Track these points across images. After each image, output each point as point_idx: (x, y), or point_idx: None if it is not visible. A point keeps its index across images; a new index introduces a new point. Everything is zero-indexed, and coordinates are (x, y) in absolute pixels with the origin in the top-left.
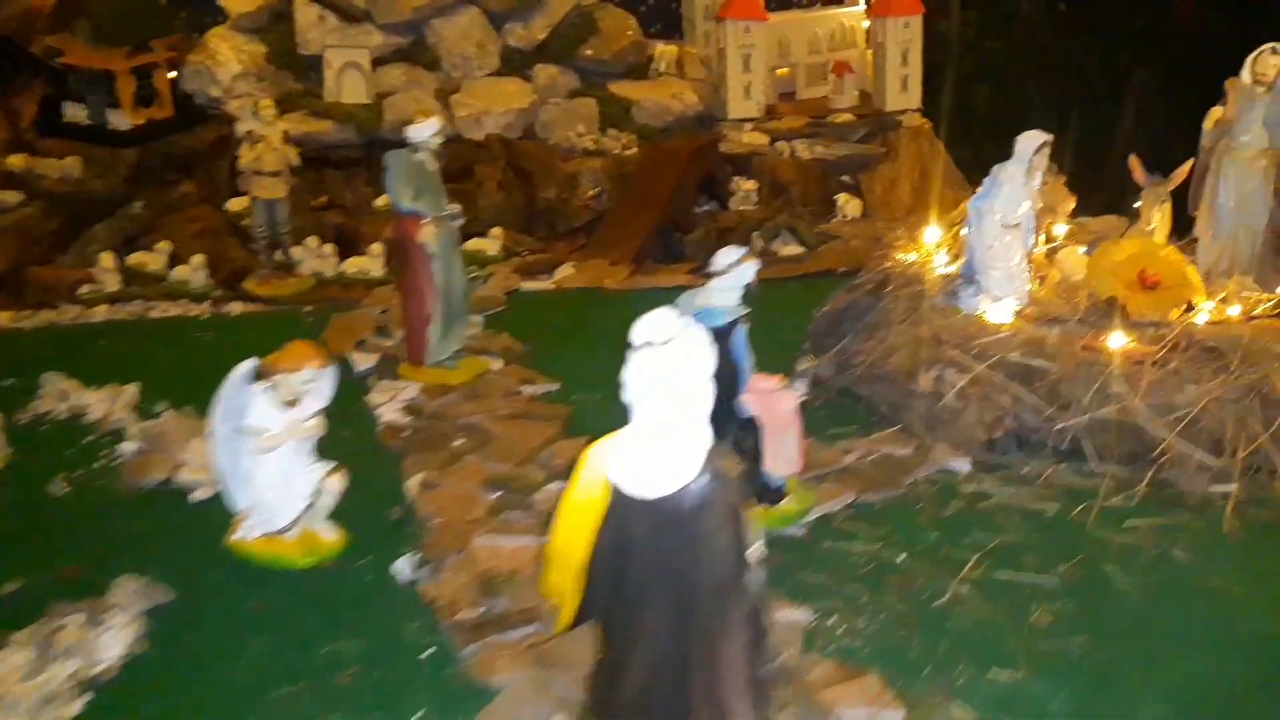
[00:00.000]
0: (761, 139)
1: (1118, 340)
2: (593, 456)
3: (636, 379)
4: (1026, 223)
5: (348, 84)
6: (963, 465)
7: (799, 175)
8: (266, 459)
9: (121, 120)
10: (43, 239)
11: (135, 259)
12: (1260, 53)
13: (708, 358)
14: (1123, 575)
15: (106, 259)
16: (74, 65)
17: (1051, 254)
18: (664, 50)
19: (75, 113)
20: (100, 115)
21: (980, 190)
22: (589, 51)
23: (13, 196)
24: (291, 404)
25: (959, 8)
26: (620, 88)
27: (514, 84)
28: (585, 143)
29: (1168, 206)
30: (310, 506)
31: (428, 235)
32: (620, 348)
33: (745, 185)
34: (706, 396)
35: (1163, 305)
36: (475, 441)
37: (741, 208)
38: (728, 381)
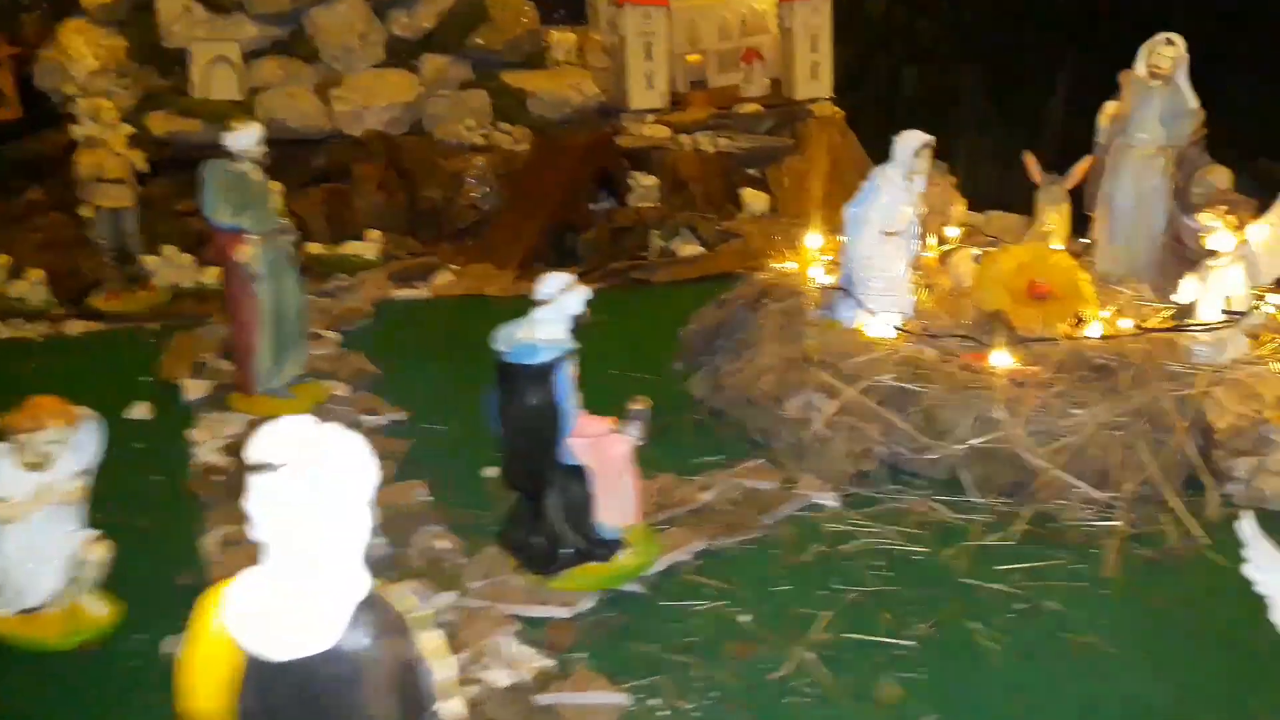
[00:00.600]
0: (664, 132)
1: (1001, 359)
2: (215, 604)
3: (259, 510)
4: (909, 230)
5: (217, 79)
6: (830, 500)
7: (702, 170)
8: (8, 530)
9: None
10: None
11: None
12: (1154, 43)
13: (358, 477)
14: (988, 632)
15: (35, 273)
16: None
17: (944, 259)
18: (561, 37)
19: None
20: None
21: (858, 195)
22: (479, 40)
23: None
24: (38, 466)
25: None
26: (515, 78)
27: (399, 76)
28: (474, 137)
29: (1066, 207)
30: (75, 579)
31: (247, 254)
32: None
33: (645, 181)
34: (358, 528)
35: (1050, 319)
36: None
37: (641, 205)
38: (550, 426)
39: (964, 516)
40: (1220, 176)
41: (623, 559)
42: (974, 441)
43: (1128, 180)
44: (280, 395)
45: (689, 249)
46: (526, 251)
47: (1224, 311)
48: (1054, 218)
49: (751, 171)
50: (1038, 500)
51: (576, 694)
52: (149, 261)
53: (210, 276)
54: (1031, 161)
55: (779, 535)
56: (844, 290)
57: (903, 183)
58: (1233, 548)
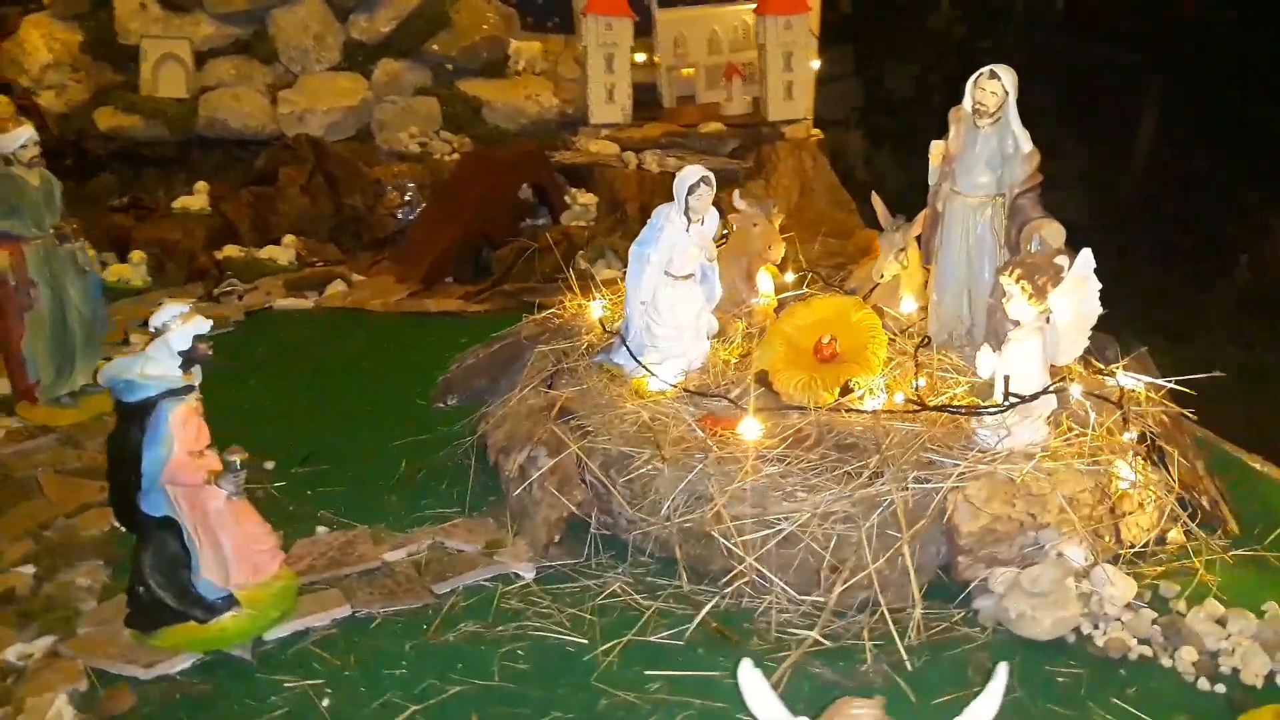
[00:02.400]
0: (612, 148)
1: (750, 427)
2: None
3: None
4: (705, 274)
5: (165, 77)
6: (527, 572)
7: (640, 190)
8: None
9: None
10: None
11: None
12: (979, 75)
13: None
14: None
15: None
16: None
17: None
18: (522, 47)
19: None
20: None
21: (641, 234)
22: (435, 47)
23: None
24: None
25: (947, 5)
26: (472, 86)
27: (349, 80)
28: (412, 146)
29: (912, 256)
30: None
31: (2, 260)
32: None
33: (583, 199)
34: None
35: (813, 386)
36: (9, 499)
37: (576, 223)
38: (138, 472)
39: (654, 605)
40: (1052, 231)
41: (228, 620)
42: (677, 520)
43: (955, 232)
44: (64, 404)
45: (609, 273)
46: (432, 266)
47: (1007, 394)
48: (893, 269)
49: None
50: (737, 595)
51: None
52: None
53: (114, 274)
54: (878, 202)
55: (442, 608)
56: (620, 337)
57: (681, 222)
58: (933, 680)
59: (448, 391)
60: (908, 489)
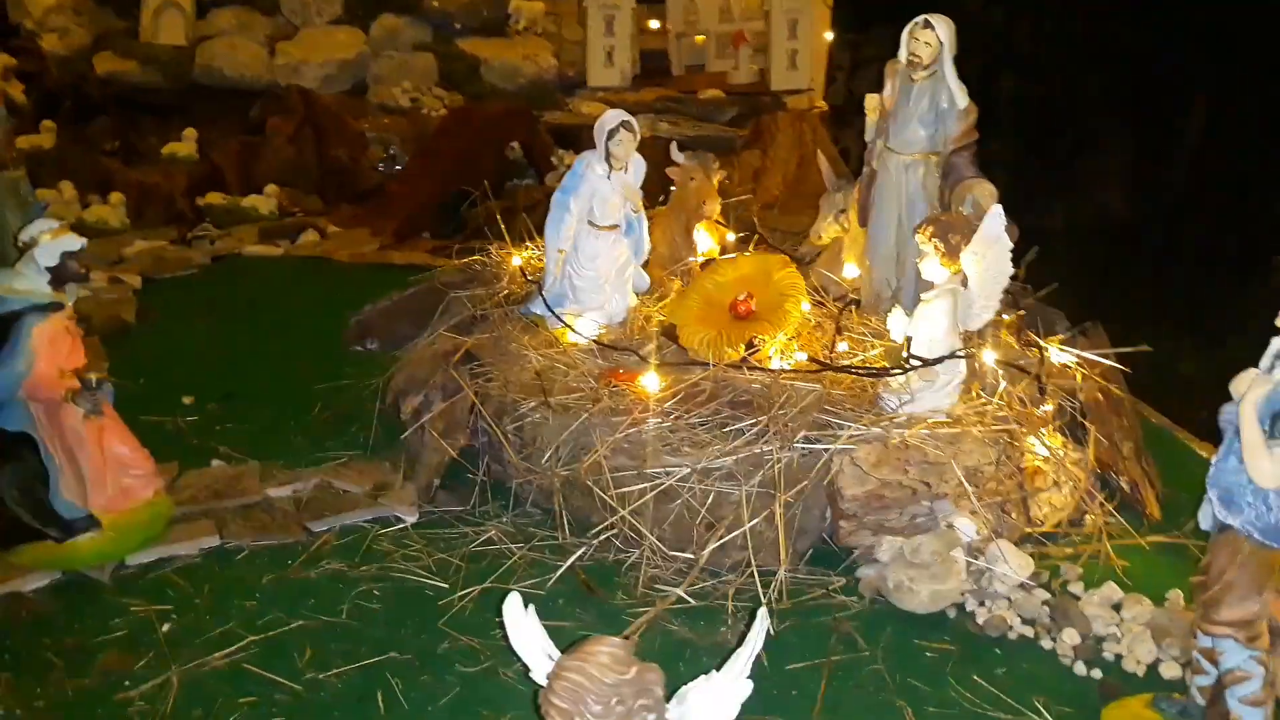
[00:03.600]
0: (601, 110)
1: (651, 381)
2: None
3: None
4: (630, 225)
5: (165, 24)
6: (408, 515)
7: None
8: None
9: None
10: None
11: None
12: (913, 25)
13: None
14: (402, 689)
15: None
16: None
17: (704, 265)
18: (523, 6)
19: None
20: None
21: (563, 180)
22: (435, 3)
23: None
24: None
25: None
26: (470, 44)
27: (348, 34)
28: (403, 100)
29: (855, 219)
30: None
31: None
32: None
33: (570, 159)
34: None
35: (718, 342)
36: None
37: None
38: None
39: (525, 553)
40: (984, 192)
41: (85, 541)
42: (558, 470)
43: (888, 191)
44: None
45: None
46: (405, 220)
47: (907, 355)
48: (831, 230)
49: None
50: (612, 549)
51: None
52: (46, 195)
53: (93, 215)
54: (823, 162)
55: (312, 545)
56: (538, 286)
57: (602, 169)
58: (793, 645)
59: (366, 335)
60: (792, 449)
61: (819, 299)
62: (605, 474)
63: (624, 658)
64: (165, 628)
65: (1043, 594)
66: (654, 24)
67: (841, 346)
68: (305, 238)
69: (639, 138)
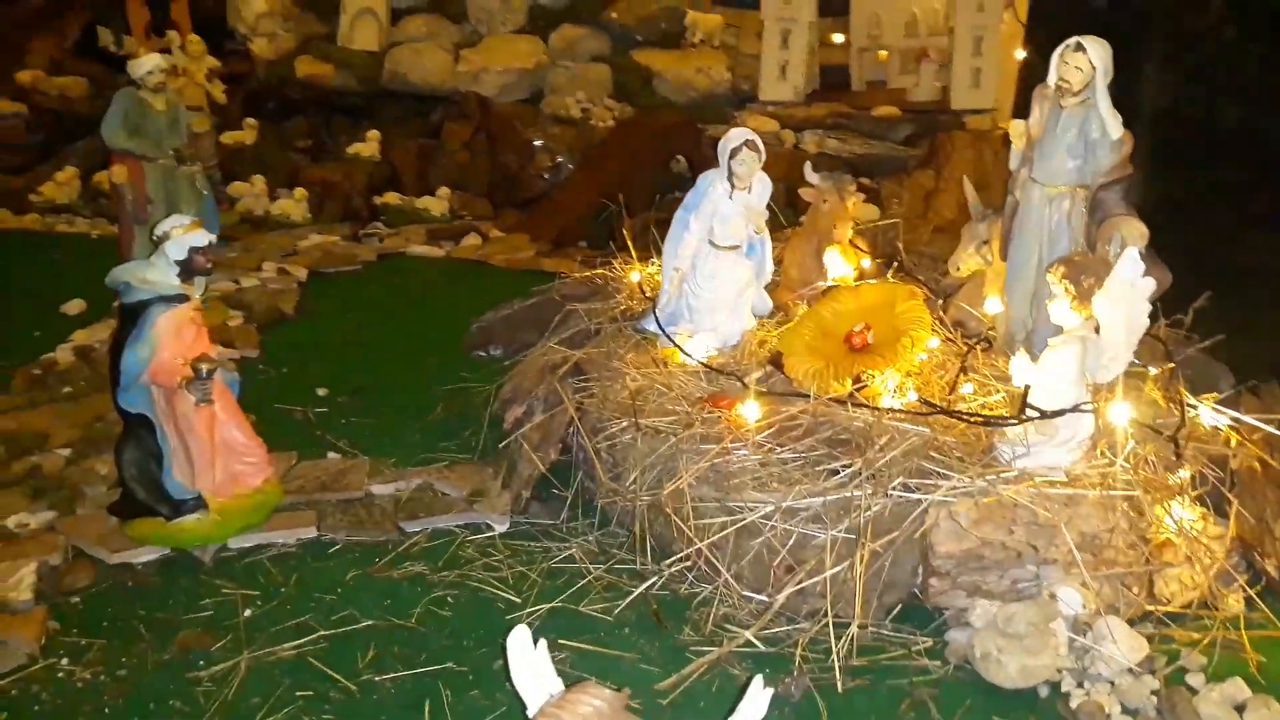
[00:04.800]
0: (772, 125)
1: (750, 409)
2: None
3: None
4: (752, 247)
5: (360, 31)
6: (499, 523)
7: (790, 169)
8: None
9: (132, 49)
10: (22, 149)
11: (98, 177)
12: (1064, 49)
13: None
14: (449, 698)
15: (63, 174)
16: None
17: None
18: (699, 19)
19: (107, 38)
20: (120, 43)
21: (686, 198)
22: (614, 14)
23: (11, 107)
24: None
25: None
26: (645, 56)
27: (529, 43)
28: (575, 111)
29: (995, 251)
30: None
31: (119, 175)
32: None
33: None
34: None
35: (823, 374)
36: (92, 388)
37: None
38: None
39: (602, 575)
40: (1132, 231)
41: (191, 521)
42: (641, 494)
43: (1030, 224)
44: None
45: None
46: (562, 228)
47: (1024, 405)
48: (971, 263)
49: (864, 181)
50: (684, 580)
51: None
52: (238, 187)
53: (278, 209)
54: (968, 188)
55: (401, 545)
56: (651, 304)
57: (724, 188)
58: (858, 706)
59: (489, 341)
60: (888, 495)
61: (949, 336)
62: (687, 503)
63: (607, 712)
64: (247, 613)
65: (1153, 682)
66: (838, 38)
67: (965, 389)
68: (467, 241)
69: (764, 157)
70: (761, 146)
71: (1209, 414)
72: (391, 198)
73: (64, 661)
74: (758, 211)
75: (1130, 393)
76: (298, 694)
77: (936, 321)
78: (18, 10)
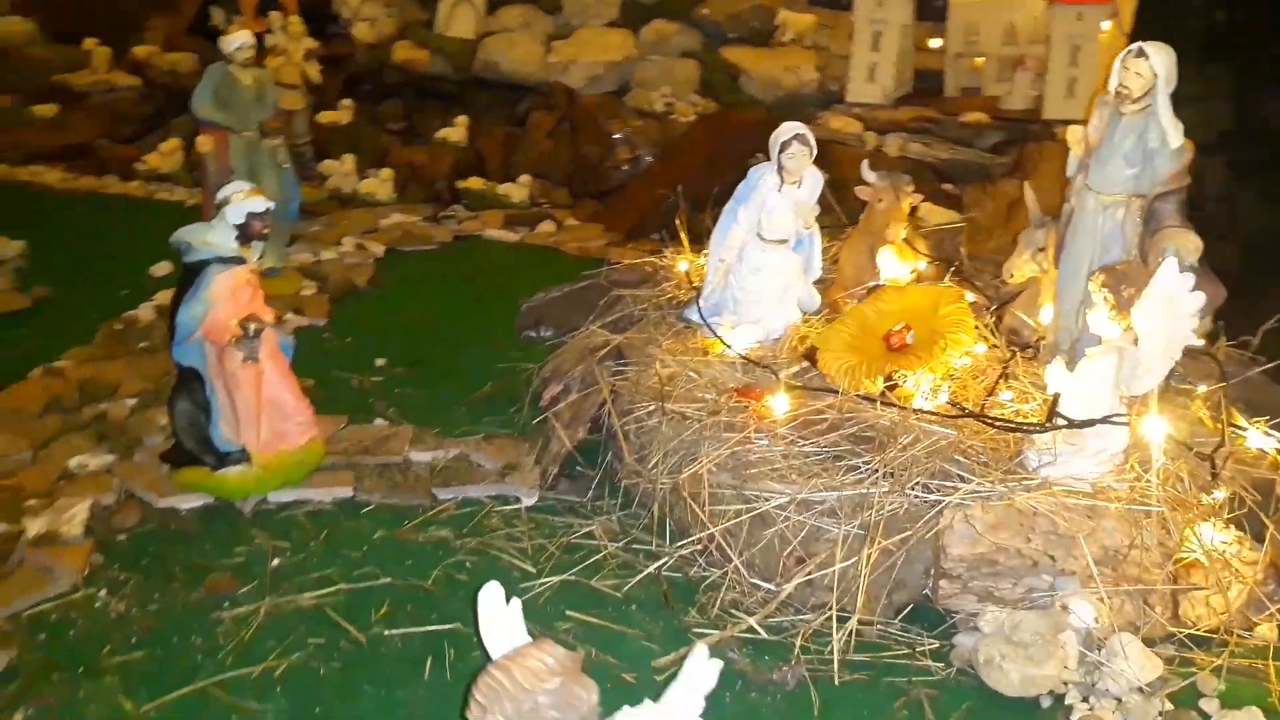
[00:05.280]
0: (855, 127)
1: (779, 402)
2: None
3: None
4: (800, 242)
5: (457, 19)
6: (527, 496)
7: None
8: None
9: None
10: (133, 120)
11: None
12: (1126, 55)
13: None
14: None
15: (168, 145)
16: None
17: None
18: (790, 18)
19: (219, 18)
20: (230, 22)
21: (736, 190)
22: (705, 11)
23: (127, 80)
24: None
25: None
26: (734, 53)
27: (620, 36)
28: (658, 105)
29: (1050, 258)
30: None
31: (204, 144)
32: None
33: None
34: None
35: (855, 371)
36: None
37: None
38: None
39: (618, 553)
40: (1186, 244)
41: (234, 473)
42: (661, 476)
43: (1083, 232)
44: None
45: None
46: (636, 220)
47: (1051, 413)
48: (1026, 270)
49: (947, 187)
50: (696, 564)
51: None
52: (328, 165)
53: (365, 188)
54: (1029, 194)
55: (431, 510)
56: (696, 293)
57: (774, 183)
58: (851, 700)
59: (540, 322)
60: (904, 495)
61: (995, 343)
62: (705, 489)
63: (556, 669)
64: (275, 562)
65: (1161, 704)
66: (935, 43)
67: (1004, 396)
68: (542, 227)
69: (814, 152)
70: (813, 141)
71: (1259, 437)
72: (475, 182)
73: (102, 593)
74: (807, 206)
75: (1173, 409)
76: (310, 640)
77: (986, 328)
78: None
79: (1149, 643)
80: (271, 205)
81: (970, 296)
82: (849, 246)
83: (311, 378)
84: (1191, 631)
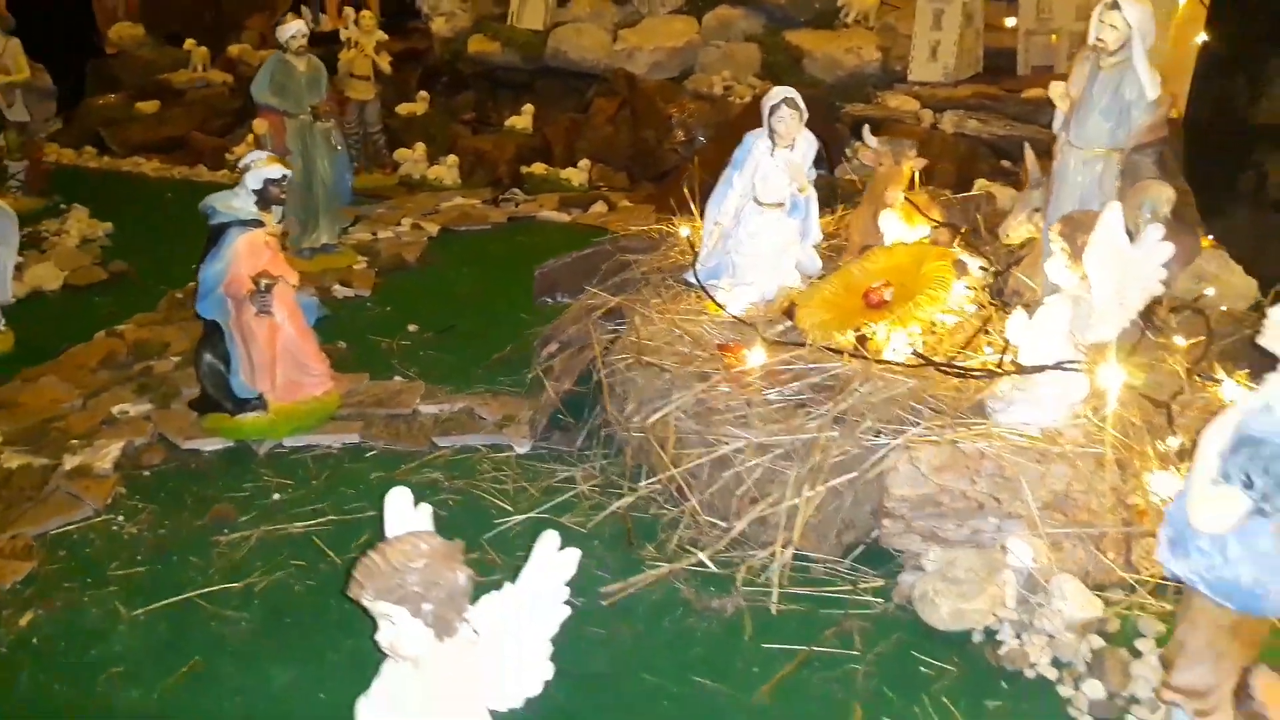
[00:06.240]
0: (912, 105)
1: (756, 356)
2: None
3: None
4: (796, 205)
5: (528, 10)
6: (520, 445)
7: (924, 150)
8: None
9: (326, 25)
10: (225, 114)
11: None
12: (1100, 8)
13: None
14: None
15: (252, 136)
16: None
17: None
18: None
19: (306, 16)
20: (317, 20)
21: (733, 155)
22: None
23: (221, 77)
24: None
25: None
26: (796, 36)
27: (683, 23)
28: (718, 88)
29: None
30: None
31: (260, 125)
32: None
33: (861, 151)
34: None
35: (827, 325)
36: None
37: (847, 177)
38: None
39: (593, 494)
40: (1160, 195)
41: (249, 418)
42: (632, 422)
43: (1065, 191)
44: (303, 256)
45: None
46: (682, 200)
47: (1002, 360)
48: (1023, 230)
49: (1005, 163)
50: (661, 504)
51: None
52: (401, 153)
53: (433, 174)
54: (1029, 156)
55: (427, 456)
56: (694, 257)
57: (767, 146)
58: (783, 628)
59: (554, 288)
60: (855, 439)
61: (983, 300)
62: (671, 434)
63: (426, 551)
64: (275, 496)
65: (1097, 641)
66: (1010, 22)
67: (987, 350)
68: (595, 209)
69: (805, 116)
70: (802, 105)
71: (1233, 387)
72: (538, 168)
73: (120, 518)
74: (800, 169)
75: (1148, 362)
76: (292, 563)
77: (983, 288)
78: None
79: (1101, 588)
80: (288, 172)
81: (974, 259)
82: (857, 213)
83: (345, 340)
84: (1142, 578)
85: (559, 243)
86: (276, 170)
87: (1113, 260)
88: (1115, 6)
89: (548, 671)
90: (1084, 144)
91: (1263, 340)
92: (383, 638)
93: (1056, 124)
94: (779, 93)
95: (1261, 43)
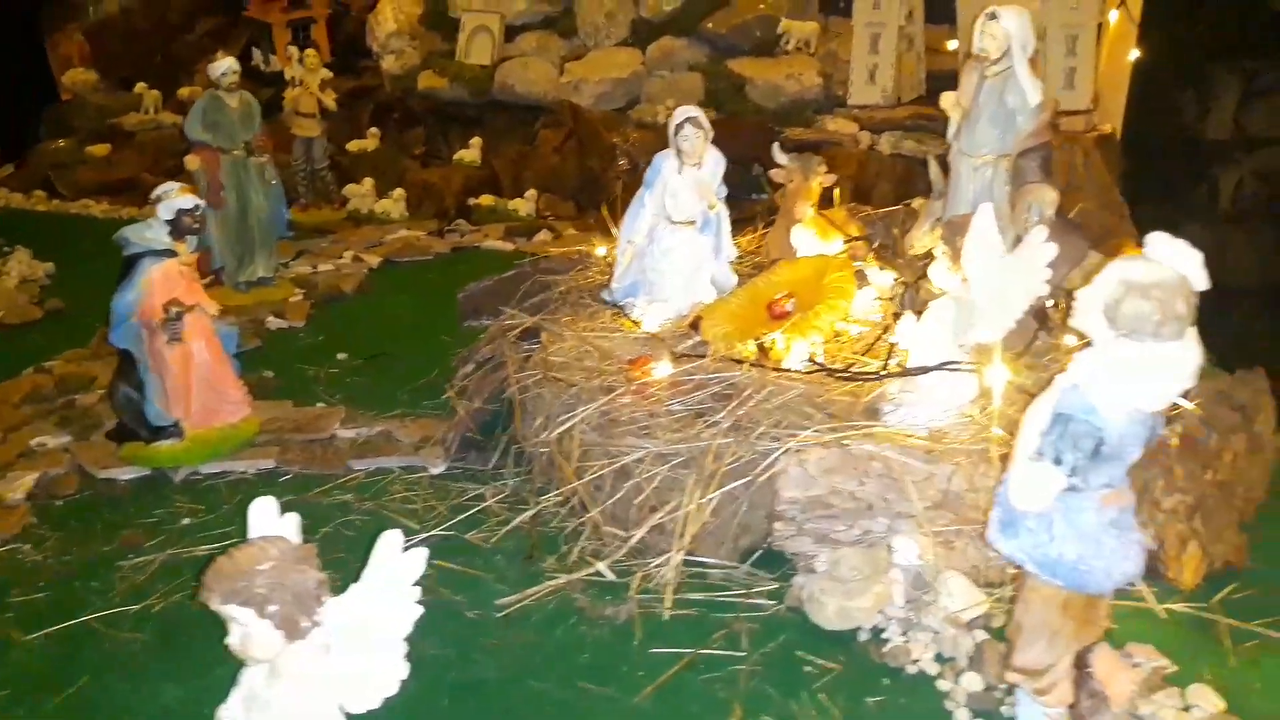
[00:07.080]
0: (850, 128)
1: (663, 368)
2: None
3: None
4: (707, 222)
5: (475, 46)
6: (435, 465)
7: (860, 170)
8: None
9: (276, 65)
10: (176, 154)
11: None
12: (982, 19)
13: None
14: None
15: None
16: (250, 16)
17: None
18: (792, 26)
19: (258, 58)
20: (268, 62)
21: (646, 175)
22: (710, 24)
23: (173, 118)
24: None
25: None
26: (739, 64)
27: (627, 54)
28: (661, 117)
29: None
30: None
31: (191, 162)
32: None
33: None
34: None
35: (730, 337)
36: None
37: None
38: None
39: (502, 513)
40: (1044, 198)
41: (165, 446)
42: (536, 438)
43: (958, 197)
44: (239, 290)
45: None
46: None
47: (885, 364)
48: (927, 239)
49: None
50: (563, 518)
51: None
52: (350, 189)
53: (380, 207)
54: (933, 166)
55: (340, 479)
56: (614, 274)
57: (675, 165)
58: (671, 633)
59: (479, 312)
60: (749, 444)
61: (893, 309)
62: (575, 447)
63: (274, 554)
64: (185, 521)
65: (980, 636)
66: (952, 45)
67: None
68: (538, 237)
69: (710, 134)
70: (705, 123)
71: None
72: (485, 199)
73: (26, 547)
74: (708, 186)
75: (1030, 360)
76: (192, 585)
77: (891, 298)
78: (191, 35)
79: (993, 584)
80: (200, 203)
81: (881, 271)
82: (774, 228)
83: (274, 370)
84: None
85: (498, 270)
86: (189, 200)
87: (990, 262)
88: (994, 17)
89: (403, 671)
90: (973, 150)
91: (1073, 322)
92: (232, 640)
93: (950, 133)
94: (682, 112)
95: (1202, 58)
